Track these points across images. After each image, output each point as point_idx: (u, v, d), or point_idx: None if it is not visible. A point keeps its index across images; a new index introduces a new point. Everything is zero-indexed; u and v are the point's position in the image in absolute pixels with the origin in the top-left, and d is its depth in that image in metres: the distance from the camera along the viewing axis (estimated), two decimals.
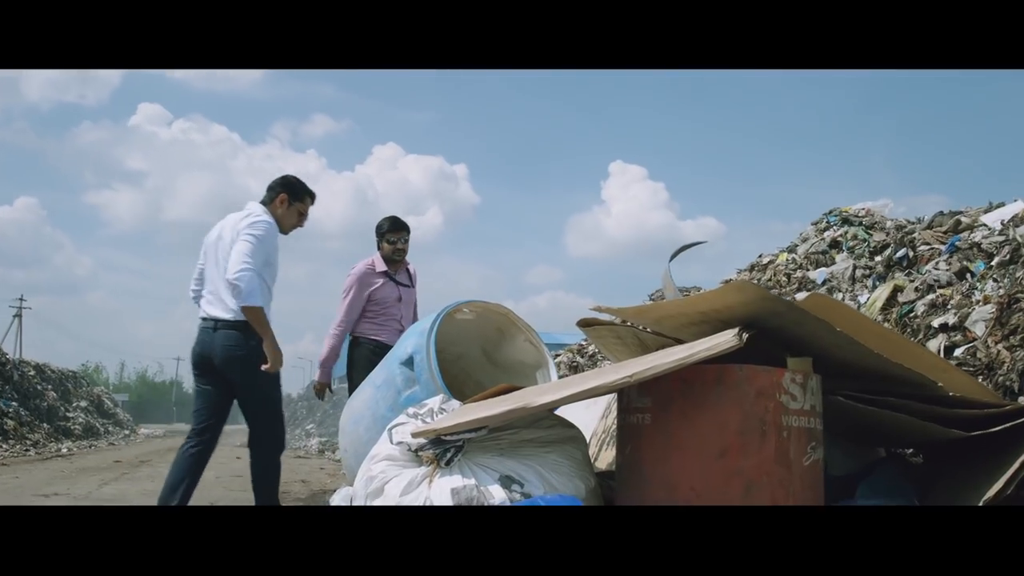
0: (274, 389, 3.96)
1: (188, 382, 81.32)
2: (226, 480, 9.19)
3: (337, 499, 3.79)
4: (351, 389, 4.41)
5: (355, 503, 2.72)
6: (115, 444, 18.43)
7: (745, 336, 2.43)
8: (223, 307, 3.84)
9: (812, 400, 2.57)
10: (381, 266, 5.06)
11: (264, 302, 3.78)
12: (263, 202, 4.17)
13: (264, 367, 3.76)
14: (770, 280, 6.97)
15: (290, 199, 4.18)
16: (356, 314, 4.95)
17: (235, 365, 3.86)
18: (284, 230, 4.22)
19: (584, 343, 10.94)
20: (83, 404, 21.77)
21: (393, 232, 5.05)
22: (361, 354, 4.86)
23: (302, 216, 4.26)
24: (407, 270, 5.20)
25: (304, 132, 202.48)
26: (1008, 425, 2.57)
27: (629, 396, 2.66)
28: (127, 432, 23.89)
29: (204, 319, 3.92)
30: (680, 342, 3.14)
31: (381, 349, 4.72)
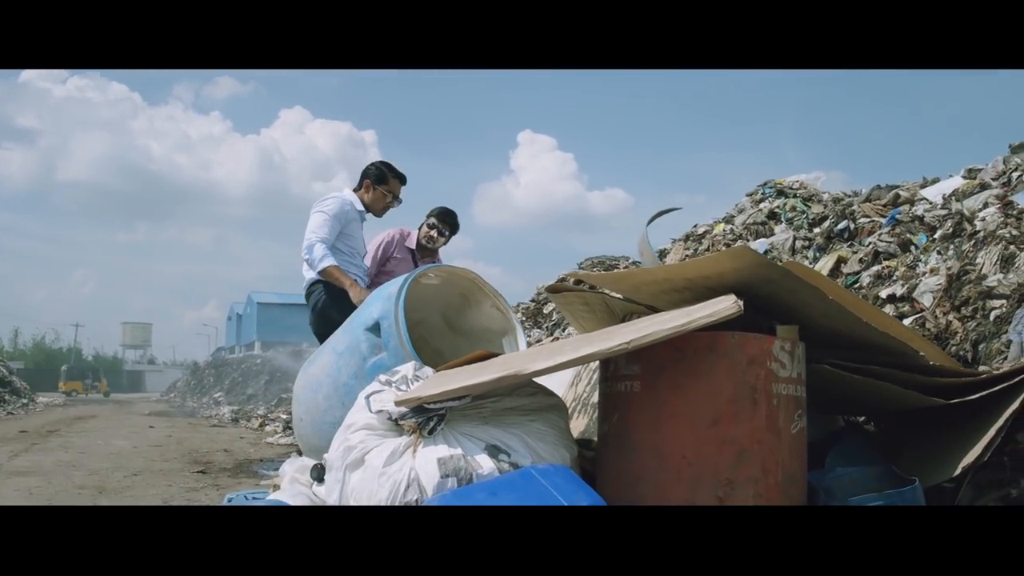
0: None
1: (87, 349, 78.50)
2: (145, 451, 8.86)
3: (290, 469, 3.64)
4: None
5: (331, 473, 2.59)
6: (14, 413, 17.50)
7: (741, 303, 2.39)
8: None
9: (798, 368, 2.56)
10: (413, 243, 5.08)
11: (329, 262, 4.39)
12: (355, 188, 4.74)
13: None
14: (708, 250, 7.04)
15: (374, 183, 4.71)
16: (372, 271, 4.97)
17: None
18: (376, 213, 4.78)
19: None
20: None
21: (439, 219, 5.07)
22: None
23: (387, 197, 4.74)
24: (435, 262, 5.15)
25: (208, 94, 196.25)
26: (986, 392, 2.62)
27: (616, 363, 2.60)
28: (25, 401, 22.75)
29: None
30: (655, 310, 3.10)
31: None
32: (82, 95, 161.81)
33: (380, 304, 3.26)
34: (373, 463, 2.45)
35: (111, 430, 12.52)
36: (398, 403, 2.51)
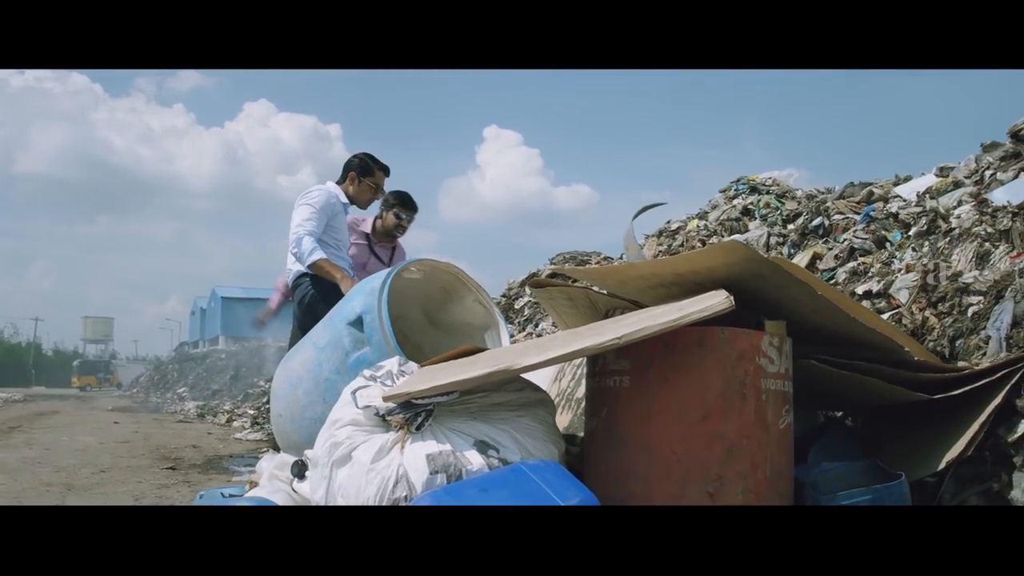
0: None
1: (47, 344, 77.12)
2: (111, 447, 8.71)
3: (268, 466, 3.59)
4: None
5: (317, 470, 2.55)
6: None
7: (732, 299, 2.38)
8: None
9: (786, 363, 2.57)
10: (367, 228, 5.06)
11: (320, 255, 4.30)
12: (338, 181, 4.68)
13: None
14: (682, 246, 7.05)
15: (359, 176, 4.69)
16: None
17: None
18: (361, 205, 4.76)
19: None
20: None
21: (403, 208, 5.02)
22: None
23: (373, 189, 4.73)
24: (393, 248, 5.09)
25: (171, 86, 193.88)
26: (969, 387, 2.64)
27: (605, 359, 2.59)
28: None
29: None
30: (639, 305, 3.09)
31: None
32: (41, 86, 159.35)
33: (362, 298, 3.21)
34: (361, 459, 2.41)
35: (75, 426, 12.29)
36: (386, 399, 2.47)
